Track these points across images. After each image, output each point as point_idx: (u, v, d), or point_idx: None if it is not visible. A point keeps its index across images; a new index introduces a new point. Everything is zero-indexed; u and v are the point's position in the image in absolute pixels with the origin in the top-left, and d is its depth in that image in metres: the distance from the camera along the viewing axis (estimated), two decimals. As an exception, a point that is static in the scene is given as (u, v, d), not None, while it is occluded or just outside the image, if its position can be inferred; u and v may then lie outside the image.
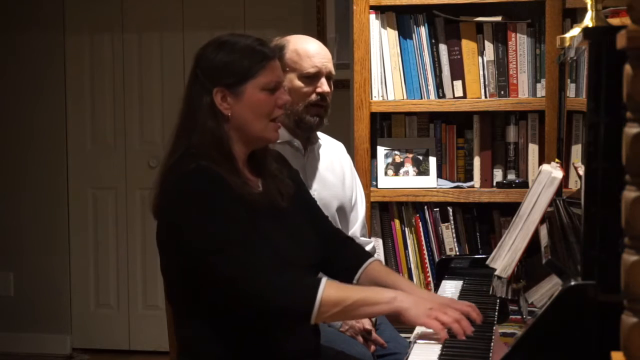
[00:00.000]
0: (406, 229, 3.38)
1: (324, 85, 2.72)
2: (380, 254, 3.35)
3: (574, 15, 3.22)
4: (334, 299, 1.99)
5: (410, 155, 3.38)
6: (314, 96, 2.71)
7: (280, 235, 2.17)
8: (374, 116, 3.37)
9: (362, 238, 2.95)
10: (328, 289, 1.99)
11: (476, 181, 3.36)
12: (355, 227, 2.93)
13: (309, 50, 2.73)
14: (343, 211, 2.87)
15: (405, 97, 3.35)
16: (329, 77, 2.75)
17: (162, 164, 2.19)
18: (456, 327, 1.99)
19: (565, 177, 2.82)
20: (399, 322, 2.23)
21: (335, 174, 2.88)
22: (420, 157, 3.38)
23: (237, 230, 2.04)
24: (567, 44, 2.46)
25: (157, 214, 2.16)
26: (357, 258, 2.36)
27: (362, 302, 2.02)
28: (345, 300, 2.01)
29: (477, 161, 3.36)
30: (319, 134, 2.88)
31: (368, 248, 2.94)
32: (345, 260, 2.36)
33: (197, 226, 2.05)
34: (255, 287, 2.00)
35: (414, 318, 2.01)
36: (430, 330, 2.04)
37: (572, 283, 1.64)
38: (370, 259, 2.35)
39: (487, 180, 3.36)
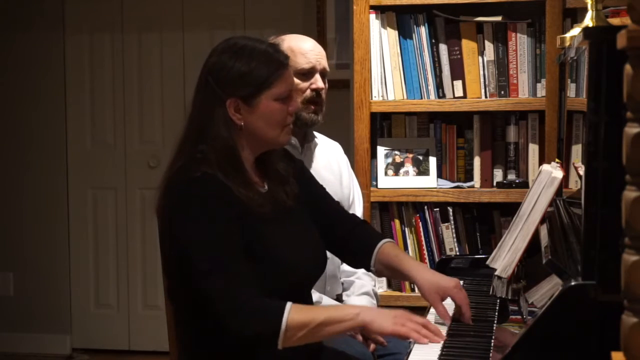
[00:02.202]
0: (406, 229, 3.38)
1: (318, 82, 2.73)
2: (380, 254, 3.34)
3: (574, 15, 3.22)
4: (299, 322, 1.99)
5: (410, 155, 3.38)
6: (308, 92, 2.72)
7: (282, 242, 2.17)
8: (374, 116, 3.36)
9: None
10: (293, 314, 1.99)
11: (476, 181, 3.36)
12: (354, 226, 2.93)
13: (302, 47, 2.74)
14: (342, 210, 2.87)
15: (405, 97, 3.35)
16: (323, 74, 2.76)
17: (169, 166, 2.18)
18: (424, 332, 2.01)
19: (566, 177, 2.81)
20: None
21: (332, 172, 2.88)
22: (420, 157, 3.38)
23: (226, 249, 2.03)
24: (567, 43, 2.46)
25: (159, 215, 2.17)
26: (370, 241, 2.37)
27: (327, 322, 2.02)
28: (311, 322, 2.00)
29: (477, 161, 3.36)
30: (316, 133, 2.88)
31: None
32: (359, 243, 2.38)
33: (191, 235, 2.05)
34: (224, 313, 2.00)
35: (380, 328, 2.03)
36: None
37: (572, 283, 1.64)
38: (382, 241, 2.36)
39: (487, 180, 3.36)
